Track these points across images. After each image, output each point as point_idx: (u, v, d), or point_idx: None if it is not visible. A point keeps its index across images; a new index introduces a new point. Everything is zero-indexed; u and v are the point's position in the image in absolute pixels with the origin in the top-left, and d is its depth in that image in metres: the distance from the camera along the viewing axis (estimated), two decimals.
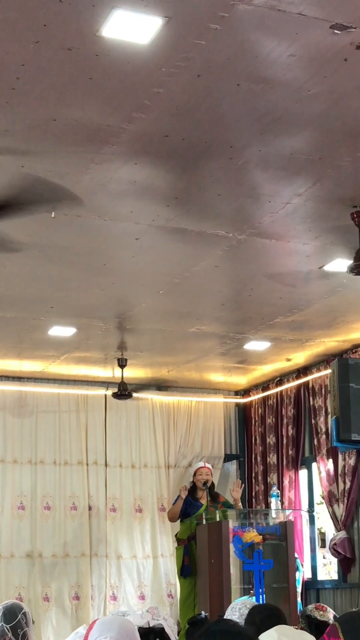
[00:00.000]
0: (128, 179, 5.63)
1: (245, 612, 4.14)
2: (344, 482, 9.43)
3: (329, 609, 4.67)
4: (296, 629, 3.85)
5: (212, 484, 9.54)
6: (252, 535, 8.32)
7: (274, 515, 8.82)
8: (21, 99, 4.71)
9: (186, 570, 8.99)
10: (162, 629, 3.46)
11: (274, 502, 8.89)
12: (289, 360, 10.13)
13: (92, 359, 9.94)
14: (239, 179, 5.65)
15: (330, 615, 4.59)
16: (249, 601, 4.76)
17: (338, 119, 4.97)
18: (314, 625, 4.48)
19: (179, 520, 9.47)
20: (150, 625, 3.49)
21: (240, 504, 9.32)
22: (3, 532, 10.19)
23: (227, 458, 11.37)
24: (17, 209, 5.83)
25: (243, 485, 9.89)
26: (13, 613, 4.31)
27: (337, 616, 4.44)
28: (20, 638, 4.24)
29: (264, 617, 3.95)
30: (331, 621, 4.34)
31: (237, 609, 4.24)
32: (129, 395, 10.01)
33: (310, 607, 4.71)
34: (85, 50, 4.30)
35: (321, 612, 4.60)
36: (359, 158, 5.40)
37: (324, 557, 10.75)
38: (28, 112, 4.84)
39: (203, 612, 4.94)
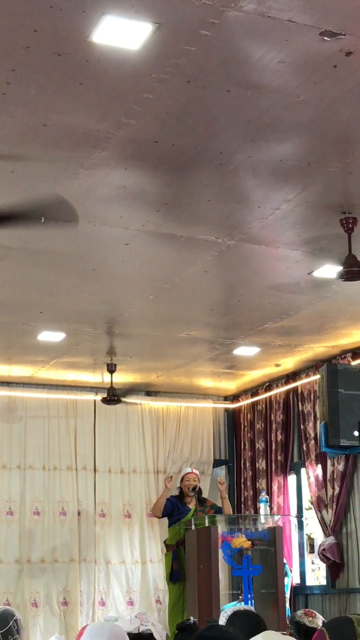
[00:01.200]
0: (118, 184, 5.64)
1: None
2: (333, 488, 9.45)
3: (318, 614, 4.67)
4: (284, 634, 3.85)
5: (200, 489, 9.54)
6: (241, 541, 8.32)
7: (262, 520, 8.83)
8: (11, 104, 4.71)
9: (175, 575, 8.99)
10: (151, 634, 3.46)
11: (262, 508, 8.90)
12: (278, 365, 10.14)
13: (82, 364, 9.94)
14: (229, 184, 5.66)
15: (319, 621, 4.59)
16: (240, 605, 4.78)
17: (327, 126, 4.99)
18: (303, 632, 4.48)
19: (167, 526, 9.47)
20: (139, 631, 3.50)
21: (226, 494, 9.37)
22: None
23: (216, 463, 11.37)
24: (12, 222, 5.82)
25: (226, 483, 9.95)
26: (4, 619, 4.29)
27: (326, 622, 4.44)
28: None
29: (243, 623, 3.96)
30: (320, 627, 4.34)
31: (226, 614, 4.25)
32: (118, 401, 10.00)
33: (299, 612, 4.71)
34: (75, 56, 4.30)
35: (310, 618, 4.60)
36: (348, 164, 5.42)
37: (312, 563, 10.76)
38: (18, 117, 4.84)
39: (192, 618, 4.94)
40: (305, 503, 10.51)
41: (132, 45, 4.22)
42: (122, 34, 4.14)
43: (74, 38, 4.17)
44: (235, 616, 4.10)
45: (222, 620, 4.22)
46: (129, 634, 3.12)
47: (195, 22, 4.06)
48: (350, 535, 9.40)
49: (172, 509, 9.40)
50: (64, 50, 4.25)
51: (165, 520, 9.75)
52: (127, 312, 8.17)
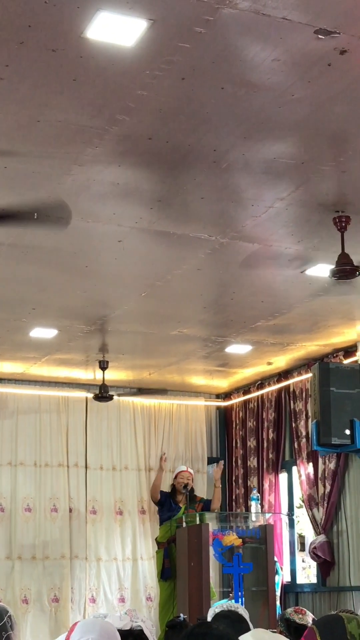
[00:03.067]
0: (111, 181, 5.63)
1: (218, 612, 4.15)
2: (324, 486, 9.46)
3: (308, 612, 4.68)
4: (274, 632, 3.86)
5: (192, 488, 9.55)
6: (231, 539, 8.34)
7: (253, 518, 8.84)
8: (5, 99, 4.70)
9: (166, 573, 9.00)
10: (141, 631, 3.45)
11: (254, 506, 8.91)
12: (270, 363, 10.15)
13: (74, 361, 9.93)
14: (222, 182, 5.66)
15: (309, 618, 4.60)
16: (228, 603, 4.77)
17: (321, 124, 4.99)
18: (293, 629, 4.49)
19: (158, 524, 9.48)
20: (129, 627, 3.49)
21: (220, 484, 9.40)
22: None
23: (208, 461, 11.37)
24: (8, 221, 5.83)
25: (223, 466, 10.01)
26: None
27: (316, 619, 4.45)
28: None
29: (226, 624, 3.95)
30: (310, 624, 4.35)
31: (213, 611, 4.25)
32: (110, 398, 10.01)
33: (289, 610, 4.71)
34: (69, 52, 4.30)
35: (300, 616, 4.61)
36: (342, 163, 5.42)
37: (303, 561, 10.77)
38: (11, 112, 4.83)
39: (182, 615, 4.92)
40: (297, 501, 10.53)
41: (127, 41, 4.21)
42: (117, 30, 4.13)
43: (68, 34, 4.16)
44: (217, 617, 4.09)
45: (210, 617, 4.22)
46: (119, 631, 3.11)
47: (189, 19, 4.06)
48: (341, 533, 9.42)
49: (165, 500, 9.42)
50: (58, 46, 4.24)
51: (157, 517, 9.76)
52: (119, 309, 8.17)
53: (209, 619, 4.13)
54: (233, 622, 3.94)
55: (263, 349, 9.55)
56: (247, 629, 3.78)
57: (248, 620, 4.07)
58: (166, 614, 8.88)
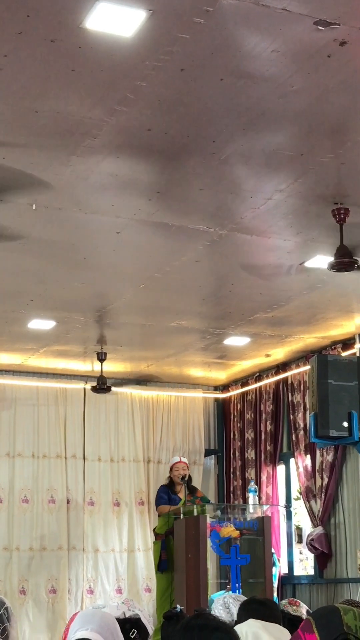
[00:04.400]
0: (110, 172, 5.62)
1: (229, 601, 4.13)
2: (322, 478, 9.47)
3: (302, 603, 4.68)
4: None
5: (190, 477, 9.56)
6: (229, 530, 8.33)
7: (251, 510, 8.84)
8: (3, 90, 4.68)
9: (163, 565, 9.00)
10: (139, 619, 3.46)
11: (251, 498, 8.91)
12: (268, 356, 10.15)
13: (72, 352, 9.92)
14: (221, 174, 5.65)
15: (303, 610, 4.61)
16: (229, 594, 4.77)
17: (321, 116, 4.98)
18: (287, 620, 4.48)
19: (157, 514, 9.49)
20: (126, 616, 3.50)
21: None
22: None
23: (206, 453, 11.38)
24: None
25: None
26: None
27: (310, 611, 4.46)
28: (1, 633, 4.21)
29: (255, 611, 3.85)
30: (304, 616, 4.36)
31: (222, 599, 4.23)
32: (108, 389, 10.01)
33: (283, 602, 4.72)
34: (68, 42, 4.28)
35: (294, 607, 4.61)
36: (341, 155, 5.41)
37: (300, 553, 10.78)
38: (10, 103, 4.81)
39: (178, 606, 4.92)
40: (294, 493, 10.54)
41: (126, 32, 4.20)
42: (116, 21, 4.12)
43: (67, 24, 4.14)
44: (248, 604, 3.99)
45: (218, 609, 4.21)
46: (116, 620, 3.12)
47: (189, 9, 4.04)
48: (338, 525, 9.43)
49: (169, 497, 9.44)
50: (57, 36, 4.23)
51: (154, 508, 9.77)
52: (117, 301, 8.16)
53: (220, 609, 4.11)
54: (266, 610, 3.83)
55: (261, 341, 9.55)
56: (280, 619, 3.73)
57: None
58: (164, 606, 8.88)
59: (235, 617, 3.95)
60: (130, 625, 3.44)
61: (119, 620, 3.17)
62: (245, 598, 4.33)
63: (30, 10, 4.05)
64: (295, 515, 10.76)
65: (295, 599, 4.72)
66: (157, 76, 4.55)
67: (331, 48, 4.33)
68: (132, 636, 3.52)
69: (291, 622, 4.19)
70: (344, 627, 2.48)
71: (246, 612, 3.80)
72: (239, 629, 3.16)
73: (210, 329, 9.09)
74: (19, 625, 9.93)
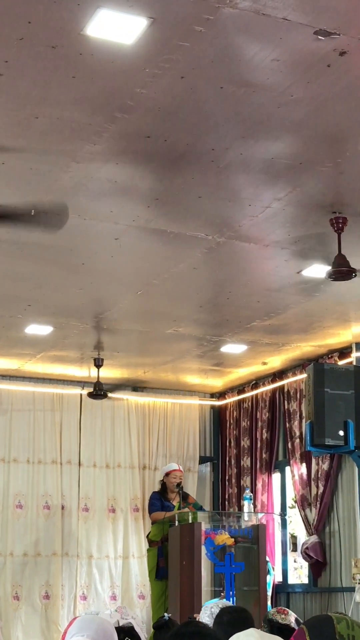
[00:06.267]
0: (109, 179, 5.63)
1: (216, 611, 4.16)
2: (317, 487, 9.47)
3: (290, 612, 4.67)
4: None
5: (182, 486, 9.56)
6: (224, 538, 8.33)
7: (246, 518, 8.84)
8: (3, 95, 4.69)
9: (161, 572, 8.97)
10: (132, 627, 3.46)
11: (246, 505, 8.91)
12: (264, 363, 10.15)
13: (69, 358, 9.93)
14: (220, 181, 5.66)
15: (291, 618, 4.60)
16: (222, 602, 4.76)
17: (320, 125, 4.99)
18: (276, 629, 4.48)
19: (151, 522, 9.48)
20: (120, 625, 3.50)
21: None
22: None
23: (201, 460, 11.38)
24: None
25: None
26: None
27: (299, 619, 4.47)
28: None
29: (231, 618, 3.96)
30: (292, 624, 4.36)
31: (209, 609, 4.25)
32: (104, 395, 10.01)
33: (271, 611, 4.71)
34: (69, 49, 4.29)
35: (282, 616, 4.60)
36: (340, 164, 5.42)
37: (295, 561, 10.78)
38: (10, 108, 4.82)
39: (165, 614, 4.92)
40: (289, 501, 10.53)
41: (126, 39, 4.21)
42: (117, 28, 4.13)
43: (68, 31, 4.16)
44: (224, 612, 4.08)
45: (204, 616, 4.22)
46: None
47: (189, 17, 4.06)
48: (333, 534, 9.43)
49: (158, 501, 9.43)
50: (57, 42, 4.24)
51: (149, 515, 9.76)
52: (115, 307, 8.17)
53: (205, 618, 4.13)
54: (240, 616, 3.93)
55: (258, 348, 9.56)
56: (251, 625, 3.79)
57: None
58: (159, 612, 8.87)
59: None
60: (123, 634, 3.45)
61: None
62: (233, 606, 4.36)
63: (32, 17, 4.06)
64: (290, 524, 10.75)
65: (283, 608, 4.72)
66: (157, 84, 4.57)
67: (331, 58, 4.35)
68: None
69: (280, 631, 4.20)
70: (336, 635, 2.49)
71: (218, 625, 3.87)
72: (236, 638, 3.16)
73: (207, 336, 9.10)
74: (13, 630, 9.91)
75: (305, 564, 9.89)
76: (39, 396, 10.67)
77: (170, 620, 4.80)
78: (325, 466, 9.39)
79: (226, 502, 11.04)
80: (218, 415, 11.56)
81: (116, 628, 3.30)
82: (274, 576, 9.90)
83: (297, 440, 9.86)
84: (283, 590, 10.09)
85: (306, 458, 9.69)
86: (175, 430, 11.23)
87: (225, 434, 11.34)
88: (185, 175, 5.57)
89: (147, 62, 4.39)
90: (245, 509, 8.91)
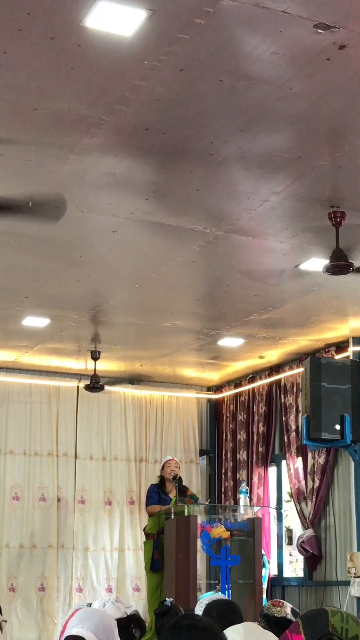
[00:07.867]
0: (107, 171, 5.62)
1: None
2: (313, 481, 9.48)
3: (285, 603, 4.66)
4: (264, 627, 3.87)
5: (180, 477, 9.56)
6: (219, 531, 8.34)
7: (242, 511, 8.85)
8: (2, 86, 4.68)
9: (156, 564, 8.99)
10: (139, 616, 3.50)
11: (242, 499, 8.92)
12: (261, 357, 10.16)
13: (65, 350, 9.92)
14: (218, 174, 5.65)
15: (287, 609, 4.59)
16: (217, 595, 4.77)
17: (319, 119, 4.99)
18: (273, 622, 4.47)
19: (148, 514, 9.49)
20: (127, 614, 3.52)
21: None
22: None
23: (199, 453, 11.39)
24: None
25: None
26: None
27: (295, 609, 4.48)
28: None
29: (220, 611, 3.98)
30: (289, 615, 4.37)
31: (204, 603, 4.26)
32: (101, 388, 10.01)
33: (267, 605, 4.70)
34: (68, 40, 4.28)
35: (278, 608, 4.60)
36: (339, 158, 5.42)
37: (290, 555, 10.81)
38: (8, 100, 4.81)
39: (167, 600, 4.88)
40: (285, 495, 10.55)
41: (126, 31, 4.20)
42: (116, 20, 4.12)
43: (67, 22, 4.14)
44: (212, 605, 4.10)
45: (198, 610, 4.22)
46: (119, 620, 3.14)
47: (189, 10, 4.05)
48: (328, 528, 9.45)
49: (156, 494, 9.44)
50: (56, 34, 4.23)
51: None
52: (112, 300, 8.16)
53: (199, 611, 4.14)
54: (228, 608, 3.96)
55: (255, 342, 9.56)
56: (240, 620, 3.80)
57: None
58: (154, 605, 8.88)
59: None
60: (134, 623, 3.48)
61: (122, 620, 3.19)
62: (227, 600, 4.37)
63: (31, 8, 4.05)
64: (286, 517, 10.77)
65: (278, 600, 4.71)
66: (156, 76, 4.56)
67: (330, 51, 4.34)
68: (134, 633, 3.55)
69: (277, 624, 4.20)
70: (329, 628, 2.51)
71: (212, 611, 3.89)
72: (233, 631, 3.17)
73: (204, 329, 9.10)
74: (8, 622, 9.91)
75: (301, 558, 9.91)
76: (35, 388, 10.67)
77: (172, 604, 4.78)
78: (322, 460, 9.40)
79: (222, 496, 11.05)
80: (215, 408, 11.56)
81: (125, 618, 3.32)
82: (270, 569, 9.91)
83: (294, 434, 9.87)
84: (278, 583, 10.11)
85: (302, 452, 9.69)
86: (172, 424, 11.24)
87: (221, 428, 11.35)
88: (183, 168, 5.57)
89: (146, 54, 4.38)
90: (241, 502, 8.92)
